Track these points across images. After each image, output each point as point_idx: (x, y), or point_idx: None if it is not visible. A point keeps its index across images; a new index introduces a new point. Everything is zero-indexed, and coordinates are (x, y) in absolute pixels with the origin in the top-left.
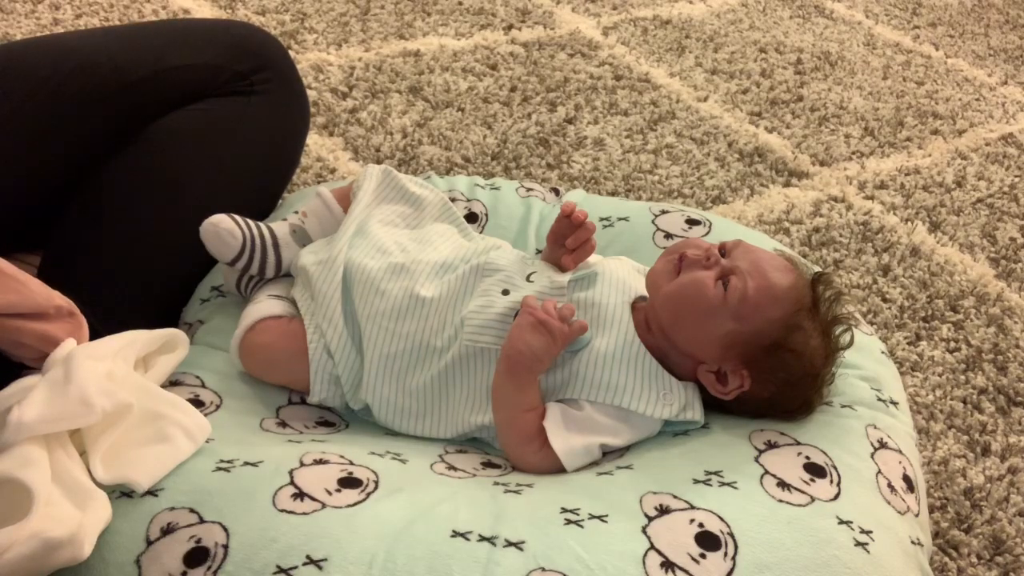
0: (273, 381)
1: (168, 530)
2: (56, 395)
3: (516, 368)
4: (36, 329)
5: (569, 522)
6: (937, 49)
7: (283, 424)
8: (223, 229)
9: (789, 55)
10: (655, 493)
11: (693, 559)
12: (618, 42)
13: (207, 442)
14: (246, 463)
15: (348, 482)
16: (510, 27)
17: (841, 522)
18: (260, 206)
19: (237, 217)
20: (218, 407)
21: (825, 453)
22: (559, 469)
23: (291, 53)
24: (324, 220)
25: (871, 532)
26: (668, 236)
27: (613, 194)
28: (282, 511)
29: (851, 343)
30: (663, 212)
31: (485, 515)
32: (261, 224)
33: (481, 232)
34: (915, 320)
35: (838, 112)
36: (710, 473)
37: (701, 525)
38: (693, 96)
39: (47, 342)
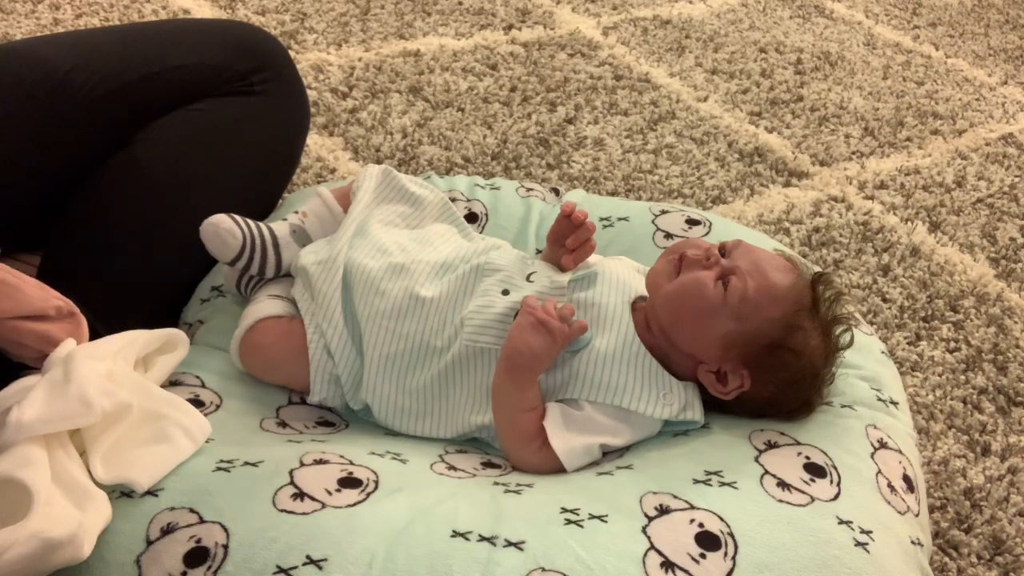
0: (273, 381)
1: (168, 530)
2: (56, 395)
3: (516, 368)
4: (35, 329)
5: (569, 522)
6: (937, 49)
7: (283, 424)
8: (223, 229)
9: (789, 55)
10: (655, 493)
11: (693, 559)
12: (618, 42)
13: (207, 442)
14: (246, 463)
15: (348, 482)
16: (510, 27)
17: (841, 522)
18: (260, 206)
19: (237, 217)
20: (218, 407)
21: (825, 453)
22: (559, 469)
23: (291, 53)
24: (324, 220)
25: (871, 532)
26: (668, 236)
27: (613, 194)
28: (282, 511)
29: (851, 343)
30: (663, 212)
31: (485, 515)
32: (261, 224)
33: (481, 232)
34: (915, 320)
35: (838, 112)
36: (710, 473)
37: (701, 525)
38: (693, 96)
39: (47, 342)
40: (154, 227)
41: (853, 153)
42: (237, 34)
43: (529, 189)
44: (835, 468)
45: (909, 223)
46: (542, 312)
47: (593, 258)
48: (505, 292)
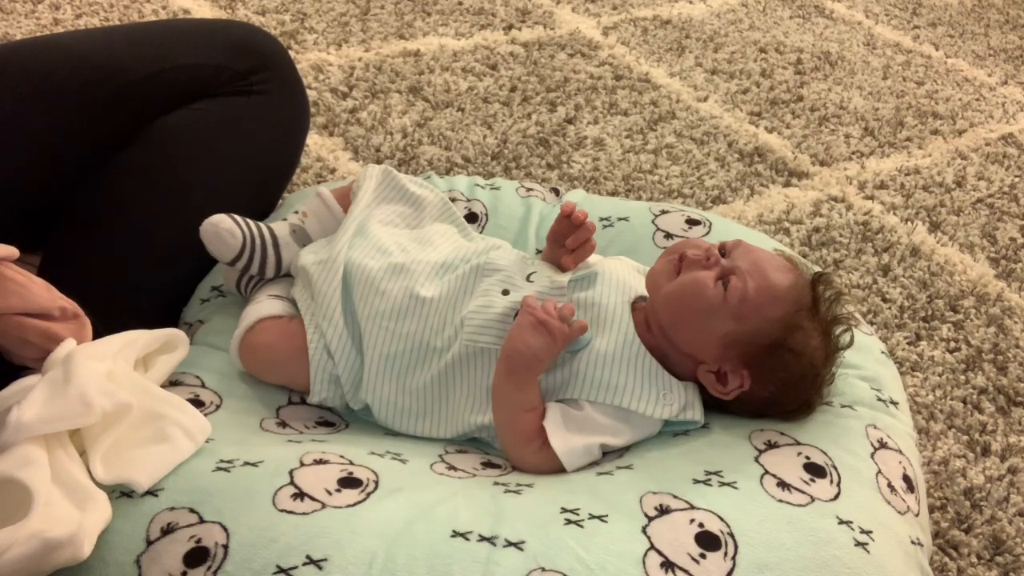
0: (273, 381)
1: (168, 530)
2: (55, 395)
3: (516, 368)
4: (39, 326)
5: (569, 522)
6: (937, 49)
7: (283, 424)
8: (223, 229)
9: (789, 55)
10: (655, 493)
11: (693, 559)
12: (618, 42)
13: (207, 442)
14: (246, 463)
15: (348, 482)
16: (510, 27)
17: (841, 522)
18: (260, 206)
19: (237, 217)
20: (218, 407)
21: (825, 453)
22: (559, 469)
23: (291, 53)
24: (324, 220)
25: (871, 532)
26: (668, 236)
27: (613, 194)
28: (282, 511)
29: (851, 343)
30: (663, 212)
31: (485, 515)
32: (261, 224)
33: (481, 232)
34: (915, 320)
35: (838, 112)
36: (710, 473)
37: (701, 525)
38: (693, 96)
39: (50, 339)
40: (154, 227)
41: (853, 153)
42: (237, 34)
43: (529, 189)
44: (835, 468)
45: (909, 223)
46: (542, 312)
47: (593, 258)
48: (505, 292)
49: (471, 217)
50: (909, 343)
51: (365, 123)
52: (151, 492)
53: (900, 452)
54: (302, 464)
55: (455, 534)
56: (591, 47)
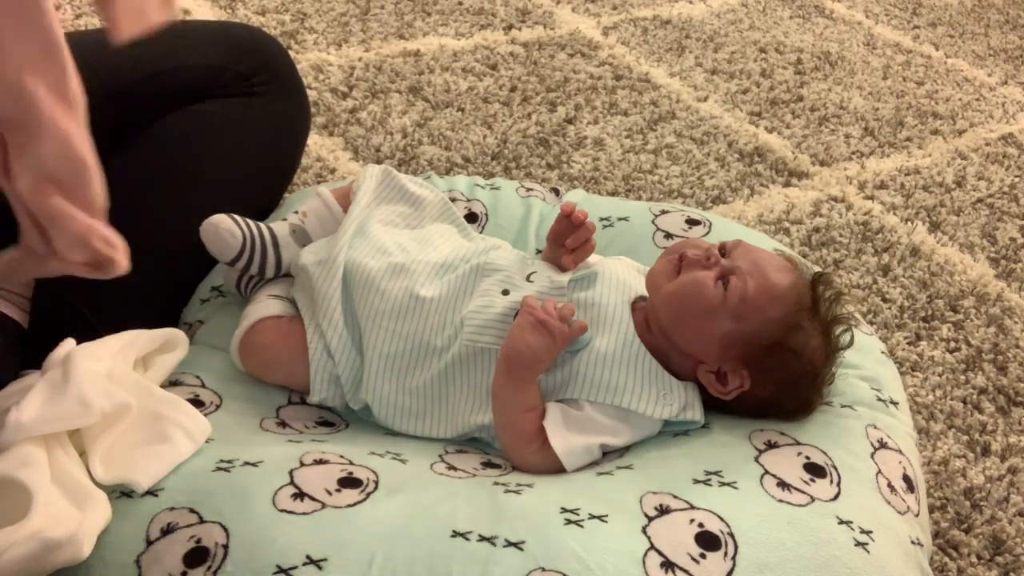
0: (273, 381)
1: (168, 530)
2: (55, 395)
3: (516, 368)
4: (83, 221)
5: (569, 522)
6: (937, 49)
7: (283, 424)
8: (223, 229)
9: (789, 55)
10: (655, 493)
11: (693, 559)
12: (618, 42)
13: (207, 442)
14: (246, 463)
15: (348, 482)
16: (510, 27)
17: (841, 522)
18: (260, 206)
19: (237, 217)
20: (218, 407)
21: (825, 453)
22: (559, 469)
23: (291, 53)
24: (324, 220)
25: (871, 532)
26: (668, 236)
27: (613, 194)
28: (282, 511)
29: (851, 343)
30: (663, 212)
31: (485, 515)
32: (261, 224)
33: (481, 232)
34: (915, 320)
35: (838, 112)
36: (710, 473)
37: (701, 525)
38: (693, 96)
39: (111, 245)
40: (154, 227)
41: (853, 153)
42: (237, 35)
43: (529, 189)
44: (835, 468)
45: (909, 223)
46: (542, 312)
47: (593, 258)
48: (505, 292)
49: (471, 217)
50: (909, 343)
51: (365, 123)
52: (151, 492)
53: (900, 452)
54: (302, 464)
55: (455, 534)
56: (591, 47)
